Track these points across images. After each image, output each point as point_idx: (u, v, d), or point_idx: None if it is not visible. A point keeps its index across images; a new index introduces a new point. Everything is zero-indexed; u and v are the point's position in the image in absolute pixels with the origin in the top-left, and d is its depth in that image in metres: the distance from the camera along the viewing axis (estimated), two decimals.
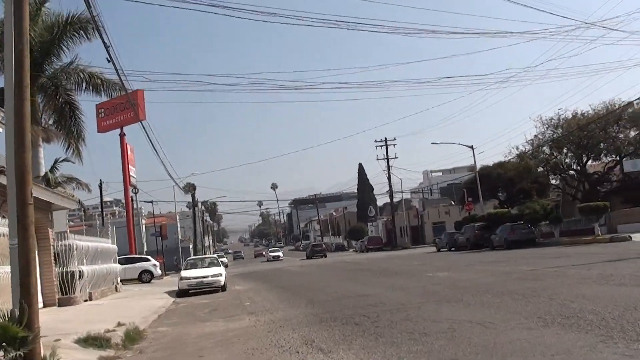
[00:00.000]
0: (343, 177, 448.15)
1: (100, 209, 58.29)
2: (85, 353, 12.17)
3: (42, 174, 31.59)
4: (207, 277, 29.69)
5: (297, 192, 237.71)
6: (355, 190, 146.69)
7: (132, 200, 60.68)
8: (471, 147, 66.52)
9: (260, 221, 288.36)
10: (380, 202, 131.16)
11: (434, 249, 63.36)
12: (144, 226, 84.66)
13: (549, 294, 13.81)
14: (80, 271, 26.32)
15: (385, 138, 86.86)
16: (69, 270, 25.72)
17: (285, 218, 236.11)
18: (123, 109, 55.31)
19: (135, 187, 61.60)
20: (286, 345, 11.08)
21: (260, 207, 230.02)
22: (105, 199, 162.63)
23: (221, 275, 29.96)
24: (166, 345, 13.17)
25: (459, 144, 67.20)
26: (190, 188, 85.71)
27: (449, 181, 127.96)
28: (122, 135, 56.02)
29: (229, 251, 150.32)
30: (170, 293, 30.57)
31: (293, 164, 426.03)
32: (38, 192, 22.49)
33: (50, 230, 25.29)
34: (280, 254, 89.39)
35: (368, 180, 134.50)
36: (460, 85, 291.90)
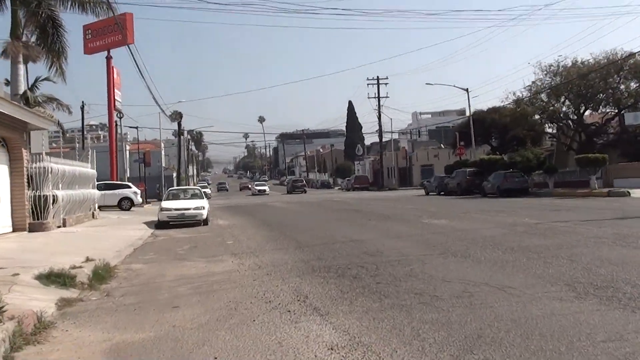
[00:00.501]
0: (331, 114, 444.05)
1: (81, 132, 56.02)
2: (44, 292, 10.67)
3: (21, 92, 29.77)
4: (188, 209, 28.22)
5: (284, 127, 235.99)
6: (344, 128, 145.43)
7: (116, 125, 58.88)
8: (466, 90, 65.00)
9: (246, 153, 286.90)
10: (368, 141, 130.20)
11: (421, 192, 62.44)
12: (127, 152, 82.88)
13: (568, 255, 12.36)
14: (54, 196, 24.77)
15: (378, 77, 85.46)
16: (42, 194, 24.17)
17: (271, 152, 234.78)
18: (111, 31, 53.43)
19: (119, 112, 59.72)
20: (275, 299, 9.62)
21: (246, 139, 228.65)
22: (91, 122, 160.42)
23: (204, 208, 28.50)
24: (138, 289, 11.67)
25: (454, 86, 65.42)
26: (176, 116, 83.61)
27: (439, 124, 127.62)
28: (108, 58, 54.13)
29: (209, 182, 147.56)
30: (149, 224, 29.12)
31: (282, 98, 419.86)
32: (10, 109, 20.84)
33: (24, 151, 23.62)
34: (266, 187, 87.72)
35: (357, 118, 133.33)
36: (472, 20, 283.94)
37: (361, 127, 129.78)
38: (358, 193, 73.46)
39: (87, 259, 14.50)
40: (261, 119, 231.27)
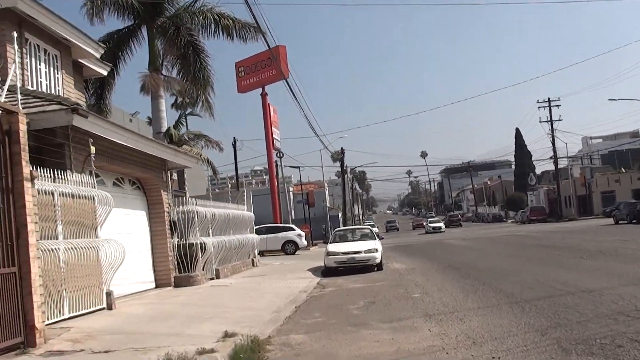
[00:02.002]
0: (495, 145, 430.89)
1: (234, 171, 52.58)
2: None
3: (163, 129, 26.69)
4: (359, 252, 23.85)
5: (447, 160, 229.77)
6: (509, 158, 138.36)
7: (276, 165, 56.04)
8: None
9: (410, 190, 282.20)
10: (537, 170, 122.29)
11: (607, 220, 56.01)
12: (291, 194, 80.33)
13: None
14: (202, 243, 21.11)
15: (549, 98, 79.00)
16: (188, 242, 20.59)
17: (435, 187, 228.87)
18: (264, 66, 51.15)
19: (279, 151, 56.85)
20: None
21: (409, 175, 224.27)
22: (256, 167, 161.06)
23: (376, 250, 24.06)
24: None
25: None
26: (338, 154, 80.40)
27: (611, 148, 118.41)
28: (263, 95, 51.49)
29: (373, 219, 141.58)
30: (315, 270, 25.03)
31: (443, 130, 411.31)
32: (142, 144, 17.35)
33: (164, 193, 20.17)
34: (441, 224, 79.25)
35: (526, 146, 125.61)
36: None
37: (531, 155, 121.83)
38: (536, 225, 67.05)
39: (226, 335, 10.25)
40: (423, 154, 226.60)
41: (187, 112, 28.70)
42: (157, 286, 19.51)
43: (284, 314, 13.67)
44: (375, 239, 26.15)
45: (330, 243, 26.19)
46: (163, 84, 26.70)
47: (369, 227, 29.81)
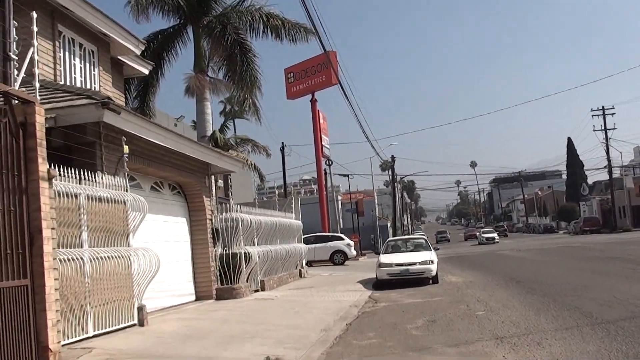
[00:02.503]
0: (547, 154, 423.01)
1: (282, 178, 51.10)
2: None
3: (209, 133, 25.48)
4: (413, 264, 22.27)
5: (496, 170, 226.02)
6: (560, 168, 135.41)
7: (325, 173, 54.70)
8: None
9: (459, 200, 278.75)
10: (589, 180, 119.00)
11: None
12: (339, 202, 78.91)
13: None
14: (247, 253, 19.79)
15: (603, 106, 76.54)
16: (231, 252, 19.30)
17: (485, 197, 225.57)
18: (314, 72, 50.05)
19: (328, 159, 55.54)
20: None
21: (458, 185, 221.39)
22: (304, 177, 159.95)
23: (432, 262, 22.45)
24: None
25: None
26: (387, 163, 78.87)
27: None
28: (313, 102, 50.32)
29: (422, 229, 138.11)
30: (365, 282, 23.57)
31: (493, 138, 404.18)
32: (183, 145, 16.17)
33: (206, 199, 18.93)
34: (495, 235, 75.44)
35: (578, 156, 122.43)
36: None
37: (582, 165, 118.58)
38: (589, 236, 64.77)
39: None
40: (473, 164, 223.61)
41: (234, 116, 27.20)
42: (197, 299, 18.25)
43: (334, 332, 12.26)
44: (430, 249, 24.53)
45: (382, 254, 24.59)
46: (209, 86, 25.50)
47: (423, 237, 28.07)
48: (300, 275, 27.53)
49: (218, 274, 19.05)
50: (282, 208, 27.21)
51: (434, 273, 22.21)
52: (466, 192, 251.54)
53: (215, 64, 26.41)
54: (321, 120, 50.77)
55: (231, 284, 19.09)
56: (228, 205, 19.94)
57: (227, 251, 19.24)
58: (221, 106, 46.99)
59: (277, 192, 28.97)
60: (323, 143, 50.86)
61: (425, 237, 27.04)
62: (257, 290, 20.77)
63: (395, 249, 25.27)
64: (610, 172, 78.31)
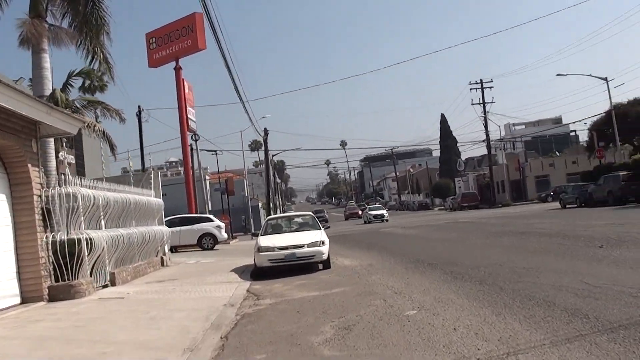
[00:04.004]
0: (424, 131, 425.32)
1: (139, 148, 45.05)
2: None
3: (47, 92, 20.51)
4: (301, 246, 18.22)
5: (364, 150, 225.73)
6: (431, 146, 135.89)
7: (191, 149, 50.01)
8: (605, 79, 53.86)
9: (329, 180, 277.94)
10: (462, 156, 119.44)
11: (547, 205, 54.30)
12: (207, 182, 74.18)
13: None
14: (89, 239, 15.31)
15: (481, 80, 75.73)
16: (68, 238, 14.79)
17: (356, 176, 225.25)
18: (178, 37, 45.27)
19: (194, 133, 50.78)
20: None
21: (327, 165, 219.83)
22: (171, 159, 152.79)
23: (323, 243, 18.49)
24: None
25: (589, 75, 53.62)
26: (257, 144, 74.67)
27: (534, 134, 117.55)
28: (177, 69, 45.48)
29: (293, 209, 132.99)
30: (242, 271, 19.51)
31: (362, 119, 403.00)
32: None
33: (33, 169, 14.30)
34: (384, 212, 64.92)
35: (452, 132, 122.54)
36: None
37: (457, 141, 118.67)
38: (470, 212, 62.72)
39: None
40: (343, 144, 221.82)
41: (76, 72, 22.12)
42: (23, 301, 13.69)
43: (204, 354, 8.19)
44: (320, 228, 20.36)
45: (262, 235, 20.17)
46: (47, 34, 20.57)
47: (309, 213, 23.83)
48: (162, 264, 23.13)
49: (52, 267, 14.52)
50: (139, 184, 22.76)
51: (325, 256, 18.37)
52: (336, 172, 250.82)
53: (56, 8, 21.39)
54: (186, 90, 45.92)
55: (70, 279, 14.62)
56: (64, 177, 15.36)
57: (64, 237, 14.72)
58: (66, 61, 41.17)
59: (130, 163, 24.20)
60: (189, 115, 46.05)
61: (312, 214, 22.93)
62: (105, 286, 16.38)
63: (277, 229, 21.15)
64: (488, 146, 77.53)
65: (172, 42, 45.27)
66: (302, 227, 20.97)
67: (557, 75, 55.62)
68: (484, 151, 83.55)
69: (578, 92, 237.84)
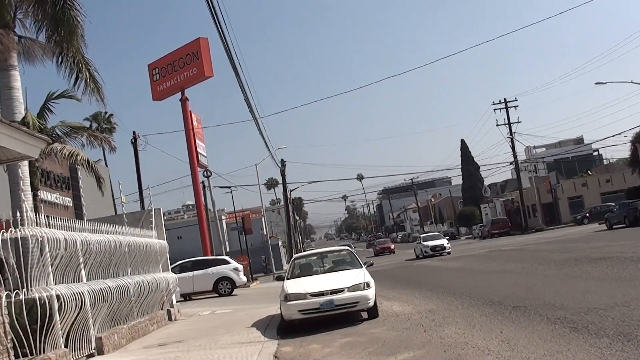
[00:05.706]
0: (429, 162, 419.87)
1: (137, 183, 39.83)
2: None
3: (18, 116, 16.76)
4: (340, 290, 14.13)
5: (381, 180, 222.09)
6: (449, 175, 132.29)
7: (203, 186, 46.31)
8: None
9: (346, 215, 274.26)
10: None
11: (586, 228, 50.59)
12: (224, 222, 70.28)
13: None
14: (59, 296, 11.40)
15: (505, 99, 72.19)
16: (25, 298, 10.90)
17: (374, 209, 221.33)
18: (182, 65, 41.73)
19: (206, 169, 47.12)
20: None
21: (345, 200, 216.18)
22: (187, 202, 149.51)
23: (368, 286, 14.50)
24: None
25: (631, 82, 49.54)
26: (273, 181, 70.73)
27: (555, 156, 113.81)
28: (183, 100, 41.94)
29: (313, 246, 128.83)
30: (264, 325, 15.54)
31: (378, 153, 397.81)
32: None
33: None
34: (444, 242, 47.09)
35: (473, 158, 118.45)
36: None
37: (478, 167, 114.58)
38: (502, 239, 58.45)
39: None
40: (360, 177, 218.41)
41: (55, 94, 18.21)
42: None
43: None
44: (361, 266, 16.21)
45: (288, 279, 16.07)
46: (16, 47, 16.94)
47: (347, 247, 19.26)
48: (170, 318, 19.17)
49: (12, 337, 10.63)
50: (137, 224, 18.93)
51: (372, 303, 14.38)
52: (354, 206, 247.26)
53: (23, 14, 17.72)
54: (194, 123, 42.33)
55: (34, 352, 10.72)
56: (23, 214, 11.49)
57: (24, 296, 10.84)
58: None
59: (123, 198, 20.30)
60: (199, 150, 42.41)
61: (351, 250, 18.54)
62: (91, 356, 12.48)
63: (307, 270, 16.73)
64: (517, 170, 73.76)
65: (177, 72, 41.83)
66: (338, 265, 16.70)
67: (596, 83, 51.20)
68: (506, 176, 79.79)
69: (602, 109, 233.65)
